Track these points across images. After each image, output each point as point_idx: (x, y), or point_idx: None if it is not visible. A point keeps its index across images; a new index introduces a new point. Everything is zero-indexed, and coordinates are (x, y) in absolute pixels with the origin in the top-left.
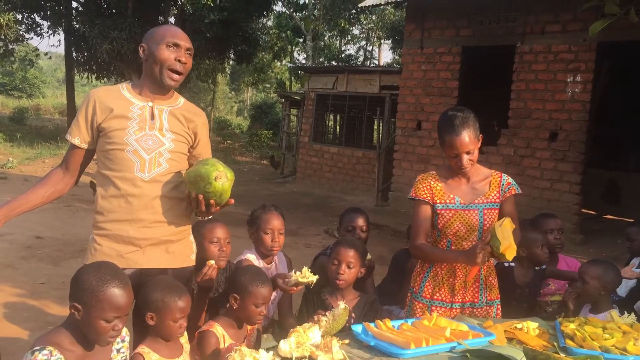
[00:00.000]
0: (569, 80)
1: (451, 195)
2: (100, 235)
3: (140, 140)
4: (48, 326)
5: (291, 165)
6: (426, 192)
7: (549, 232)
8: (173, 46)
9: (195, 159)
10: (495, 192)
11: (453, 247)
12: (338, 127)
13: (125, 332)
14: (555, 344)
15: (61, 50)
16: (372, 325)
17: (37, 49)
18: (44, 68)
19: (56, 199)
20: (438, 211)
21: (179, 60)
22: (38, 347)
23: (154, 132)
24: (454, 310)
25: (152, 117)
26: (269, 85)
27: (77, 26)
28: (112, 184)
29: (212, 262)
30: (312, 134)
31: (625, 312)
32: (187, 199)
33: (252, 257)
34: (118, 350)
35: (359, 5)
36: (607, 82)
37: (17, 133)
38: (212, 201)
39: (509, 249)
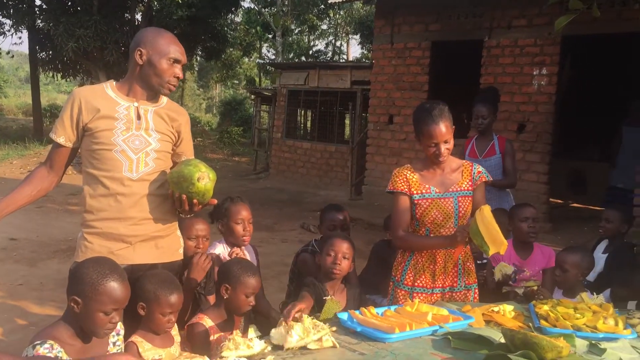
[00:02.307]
0: (535, 73)
1: (427, 186)
2: (90, 233)
3: (127, 140)
4: (30, 327)
5: (263, 161)
6: (403, 184)
7: (523, 220)
8: (175, 62)
9: (179, 157)
10: (467, 181)
11: (432, 235)
12: (309, 123)
13: (120, 326)
14: (530, 324)
15: (23, 48)
16: (357, 312)
17: None
18: (4, 67)
19: (42, 197)
20: (415, 201)
21: (177, 77)
22: (39, 342)
23: (140, 132)
24: (434, 296)
25: (138, 117)
26: (237, 82)
27: (42, 24)
28: (100, 183)
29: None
30: (284, 130)
31: (594, 293)
32: (170, 199)
33: (220, 248)
34: (114, 344)
35: (329, 1)
36: (571, 75)
37: None
38: (195, 201)
39: (496, 244)
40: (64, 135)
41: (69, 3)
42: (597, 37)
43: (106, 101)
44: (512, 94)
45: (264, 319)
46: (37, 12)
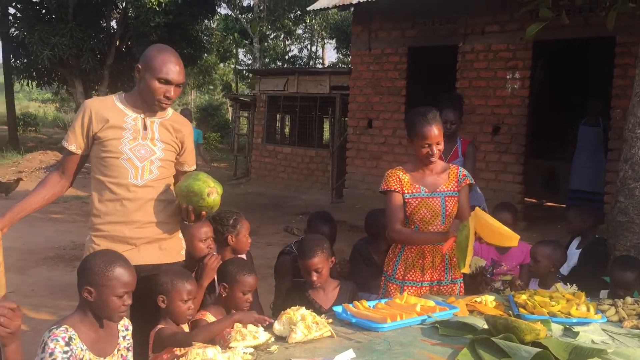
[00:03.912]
0: (508, 77)
1: (417, 186)
2: (97, 236)
3: (133, 149)
4: (28, 331)
5: (243, 166)
6: (396, 183)
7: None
8: (165, 83)
9: (181, 165)
10: (453, 182)
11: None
12: (287, 128)
13: (128, 322)
14: (510, 312)
15: None
16: (350, 305)
17: None
18: None
19: (54, 202)
20: (406, 200)
21: (167, 97)
22: (55, 326)
23: (146, 142)
24: (423, 288)
25: (145, 127)
26: (212, 87)
27: (16, 32)
28: (107, 189)
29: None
30: (264, 135)
31: (568, 284)
32: (177, 209)
33: None
34: (124, 337)
35: (308, 8)
36: (543, 78)
37: None
38: (203, 213)
39: (509, 239)
40: (75, 143)
41: (44, 11)
42: (566, 42)
43: (115, 112)
44: (486, 98)
45: None
46: (11, 20)
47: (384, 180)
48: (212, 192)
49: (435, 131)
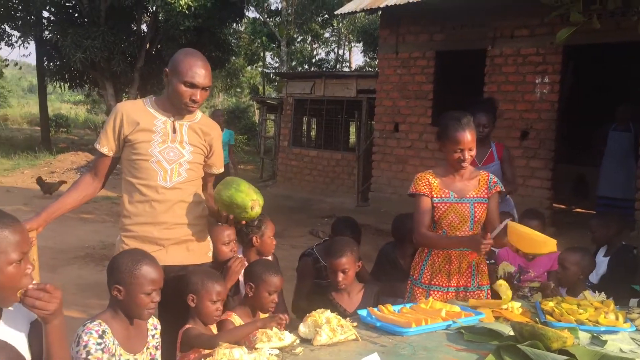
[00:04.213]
0: (537, 81)
1: (446, 190)
2: (127, 236)
3: (163, 152)
4: None
5: (270, 169)
6: (425, 187)
7: None
8: (190, 86)
9: (209, 168)
10: (484, 189)
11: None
12: (314, 131)
13: (156, 322)
14: (536, 319)
15: (26, 59)
16: (375, 309)
17: (5, 60)
18: (8, 77)
19: (87, 202)
20: (435, 204)
21: (193, 100)
22: (89, 320)
23: (175, 145)
24: (449, 294)
25: (174, 130)
26: (239, 90)
27: (49, 36)
28: (137, 190)
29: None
30: (291, 138)
31: (596, 291)
32: (214, 214)
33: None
34: (153, 336)
35: (335, 12)
36: (573, 82)
37: None
38: (243, 222)
39: (546, 246)
40: (106, 145)
41: (77, 15)
42: (598, 46)
43: (145, 115)
44: (515, 102)
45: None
46: (45, 24)
47: (413, 183)
48: (254, 205)
49: (468, 136)
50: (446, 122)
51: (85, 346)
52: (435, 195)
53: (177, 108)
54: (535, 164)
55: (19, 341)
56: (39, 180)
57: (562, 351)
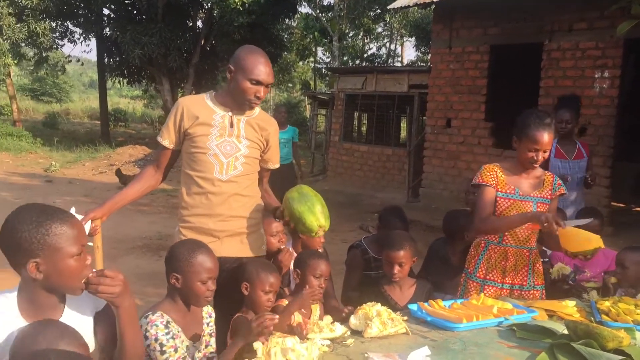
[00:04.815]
0: (596, 76)
1: (512, 186)
2: (184, 227)
3: (220, 145)
4: None
5: (320, 164)
6: (492, 178)
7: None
8: (256, 84)
9: (265, 162)
10: (548, 189)
11: (506, 234)
12: (365, 126)
13: (211, 310)
14: (591, 319)
15: (88, 55)
16: (425, 304)
17: (69, 56)
18: (70, 73)
19: (148, 194)
20: (498, 199)
21: (257, 97)
22: (150, 312)
23: (232, 139)
24: (504, 291)
25: (232, 125)
26: (291, 85)
27: (109, 32)
28: (195, 183)
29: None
30: (342, 133)
31: None
32: (272, 210)
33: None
34: (208, 324)
35: (389, 7)
36: (634, 76)
37: (53, 137)
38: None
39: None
40: (168, 138)
41: (135, 12)
42: None
43: (205, 109)
44: None
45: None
46: (105, 21)
47: (479, 173)
48: (320, 231)
49: (546, 138)
50: (528, 120)
51: (157, 339)
52: (500, 189)
53: (238, 104)
54: (593, 160)
55: (84, 328)
56: (118, 172)
57: (617, 351)
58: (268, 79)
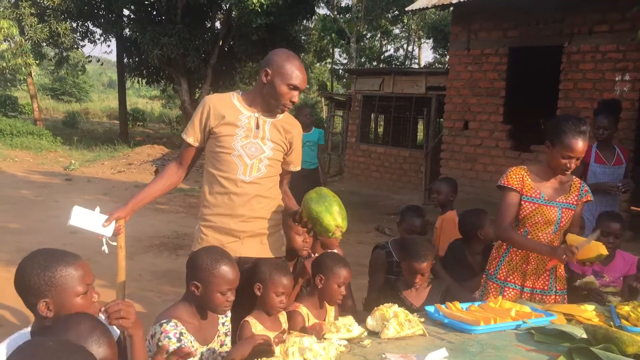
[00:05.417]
0: (617, 79)
1: (538, 191)
2: (205, 226)
3: (245, 146)
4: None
5: (337, 165)
6: (518, 182)
7: (605, 234)
8: (293, 89)
9: (287, 165)
10: (574, 195)
11: (529, 237)
12: (381, 128)
13: None
14: (611, 323)
15: (108, 56)
16: (442, 306)
17: (89, 56)
18: (89, 72)
19: (171, 190)
20: (522, 202)
21: (292, 101)
22: (165, 320)
23: (257, 141)
24: (524, 294)
25: (257, 126)
26: (308, 86)
27: (129, 33)
28: (218, 182)
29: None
30: (359, 135)
31: None
32: (291, 213)
33: None
34: (223, 324)
35: (406, 9)
36: None
37: (73, 136)
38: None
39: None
40: (193, 136)
41: (155, 13)
42: None
43: (231, 109)
44: (592, 100)
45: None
46: (125, 22)
47: (505, 175)
48: (337, 231)
49: (582, 146)
50: (564, 126)
51: (167, 351)
52: (525, 193)
53: (270, 106)
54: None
55: None
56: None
57: (637, 356)
58: (304, 85)
